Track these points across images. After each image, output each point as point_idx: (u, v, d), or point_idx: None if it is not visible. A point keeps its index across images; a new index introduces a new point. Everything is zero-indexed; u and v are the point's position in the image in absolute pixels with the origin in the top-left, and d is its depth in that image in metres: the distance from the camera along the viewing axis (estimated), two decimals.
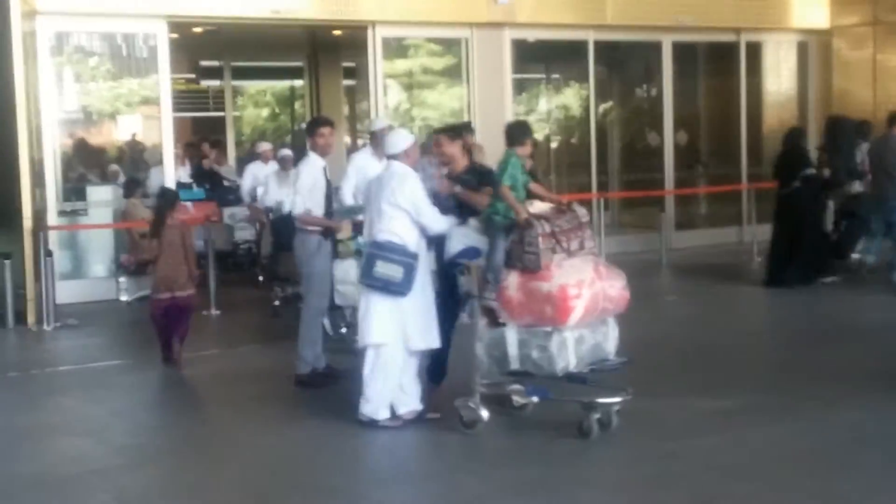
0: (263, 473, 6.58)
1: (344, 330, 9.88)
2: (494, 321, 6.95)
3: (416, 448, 7.05)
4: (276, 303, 11.37)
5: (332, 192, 8.73)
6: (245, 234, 14.42)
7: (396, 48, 15.71)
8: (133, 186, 13.13)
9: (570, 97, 18.43)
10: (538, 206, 7.27)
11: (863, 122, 14.09)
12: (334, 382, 8.43)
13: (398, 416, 7.27)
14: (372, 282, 7.12)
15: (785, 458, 6.48)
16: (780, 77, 18.57)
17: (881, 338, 9.80)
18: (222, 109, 19.32)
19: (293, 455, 6.95)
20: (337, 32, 17.32)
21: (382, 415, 7.23)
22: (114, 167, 14.71)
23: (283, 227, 10.46)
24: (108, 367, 9.67)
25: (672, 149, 17.11)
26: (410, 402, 7.31)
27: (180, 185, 13.67)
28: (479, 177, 7.67)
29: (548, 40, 16.62)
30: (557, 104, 18.63)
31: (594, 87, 16.68)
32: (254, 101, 21.26)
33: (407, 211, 7.14)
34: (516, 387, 7.27)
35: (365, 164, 10.16)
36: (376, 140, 10.15)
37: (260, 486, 6.33)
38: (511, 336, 6.87)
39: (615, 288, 7.00)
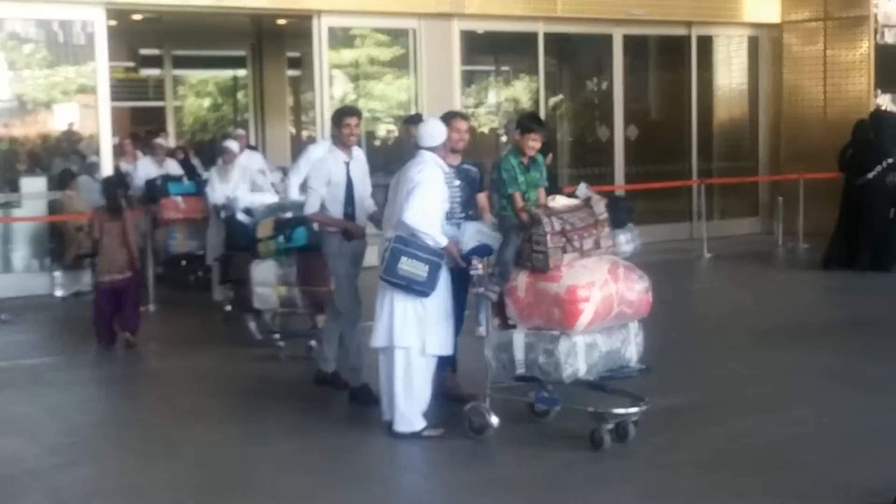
0: (202, 472, 6.50)
1: (278, 337, 9.43)
2: (505, 323, 6.67)
3: (356, 448, 6.85)
4: (228, 308, 10.61)
5: (353, 191, 7.96)
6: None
7: (342, 38, 15.44)
8: (68, 178, 12.77)
9: (520, 90, 18.26)
10: (560, 202, 6.89)
11: None
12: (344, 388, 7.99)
13: (434, 426, 6.91)
14: (395, 279, 6.71)
15: None
16: (730, 71, 18.57)
17: None
18: (162, 99, 19.00)
19: (232, 453, 6.85)
20: (281, 21, 17.09)
21: (419, 424, 6.87)
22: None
23: (237, 226, 10.02)
24: (42, 364, 9.50)
25: (622, 143, 17.01)
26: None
27: (169, 178, 12.97)
28: (471, 183, 7.41)
29: (497, 32, 16.46)
30: (506, 97, 18.47)
31: (544, 79, 16.51)
32: (195, 91, 20.89)
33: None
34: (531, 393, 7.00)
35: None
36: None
37: (198, 485, 6.26)
38: (518, 339, 6.58)
39: (634, 291, 6.65)
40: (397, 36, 15.63)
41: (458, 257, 6.84)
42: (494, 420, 6.76)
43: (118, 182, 10.50)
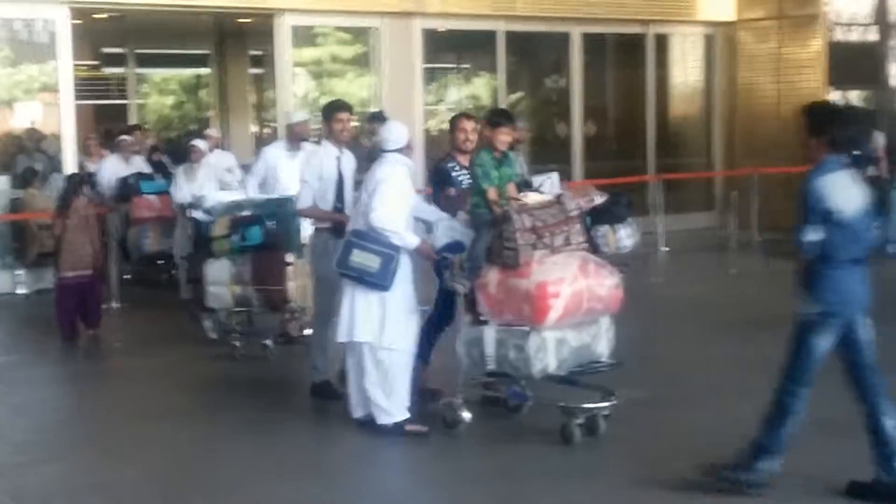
0: (168, 470, 6.49)
1: (233, 336, 9.33)
2: (477, 318, 6.69)
3: (321, 443, 6.96)
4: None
5: (343, 185, 7.77)
6: None
7: (305, 36, 15.52)
8: (31, 176, 12.76)
9: (480, 87, 18.40)
10: (532, 198, 6.96)
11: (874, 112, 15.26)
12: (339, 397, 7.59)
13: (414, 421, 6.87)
14: (346, 271, 6.74)
15: None
16: (686, 69, 18.80)
17: None
18: (126, 97, 18.98)
19: (198, 450, 6.86)
20: (244, 20, 17.10)
21: (401, 415, 6.84)
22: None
23: (206, 225, 9.88)
24: (6, 362, 9.50)
25: (581, 140, 17.20)
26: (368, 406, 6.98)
27: (142, 176, 12.87)
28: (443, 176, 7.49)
29: (458, 30, 16.57)
30: (467, 94, 18.59)
31: (504, 77, 16.68)
32: (158, 89, 20.87)
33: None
34: (502, 387, 7.00)
35: (276, 160, 9.71)
36: (293, 134, 9.79)
37: (165, 484, 6.25)
38: (489, 335, 6.60)
39: (604, 287, 6.69)
40: (359, 34, 15.72)
41: (432, 255, 6.90)
42: (467, 415, 6.78)
43: (82, 180, 10.53)
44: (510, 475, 6.18)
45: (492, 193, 7.08)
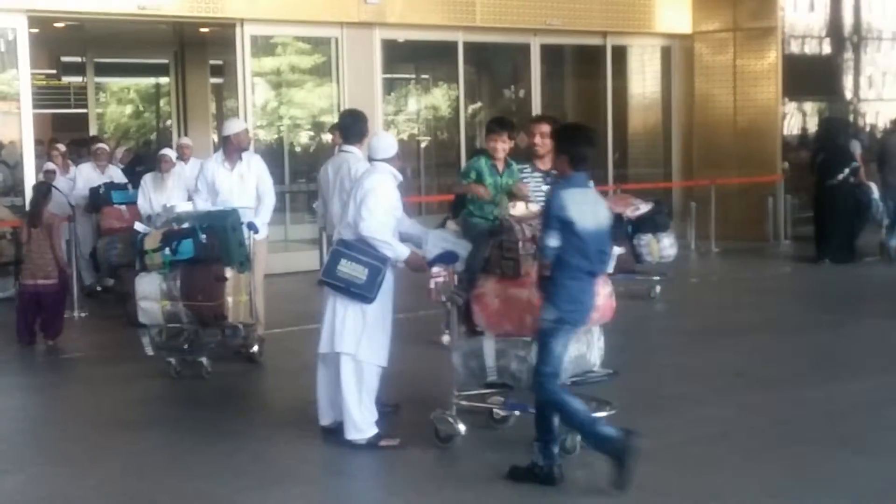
0: (129, 479, 6.48)
1: (173, 361, 8.97)
2: (472, 329, 6.62)
3: (284, 452, 6.94)
4: None
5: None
6: None
7: (265, 46, 15.55)
8: None
9: (440, 97, 18.49)
10: (520, 209, 6.85)
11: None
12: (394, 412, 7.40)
13: (389, 436, 6.82)
14: (333, 280, 6.62)
15: None
16: (644, 80, 18.98)
17: None
18: (85, 106, 18.87)
19: (160, 460, 6.84)
20: (204, 29, 17.06)
21: (370, 432, 6.77)
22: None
23: (141, 238, 9.59)
24: None
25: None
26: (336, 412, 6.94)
27: (113, 185, 12.70)
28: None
29: (417, 41, 16.64)
30: (427, 104, 18.68)
31: (463, 87, 16.76)
32: (117, 98, 20.78)
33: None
34: (497, 398, 6.93)
35: (213, 172, 9.37)
36: (231, 145, 9.35)
37: (125, 492, 6.25)
38: (489, 346, 6.50)
39: (600, 296, 6.54)
40: (319, 44, 15.77)
41: (424, 267, 6.85)
42: (462, 428, 6.66)
43: (47, 190, 10.46)
44: (469, 481, 6.21)
45: (478, 190, 6.92)
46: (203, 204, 9.32)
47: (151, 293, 8.79)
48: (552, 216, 5.85)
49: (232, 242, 8.78)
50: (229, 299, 8.79)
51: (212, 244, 8.72)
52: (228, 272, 8.80)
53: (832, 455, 6.61)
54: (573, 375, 6.53)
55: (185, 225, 8.92)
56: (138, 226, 9.39)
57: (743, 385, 8.35)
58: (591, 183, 6.29)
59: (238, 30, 14.56)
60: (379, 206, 6.62)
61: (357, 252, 6.59)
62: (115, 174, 13.29)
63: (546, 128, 7.27)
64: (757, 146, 17.38)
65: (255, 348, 9.34)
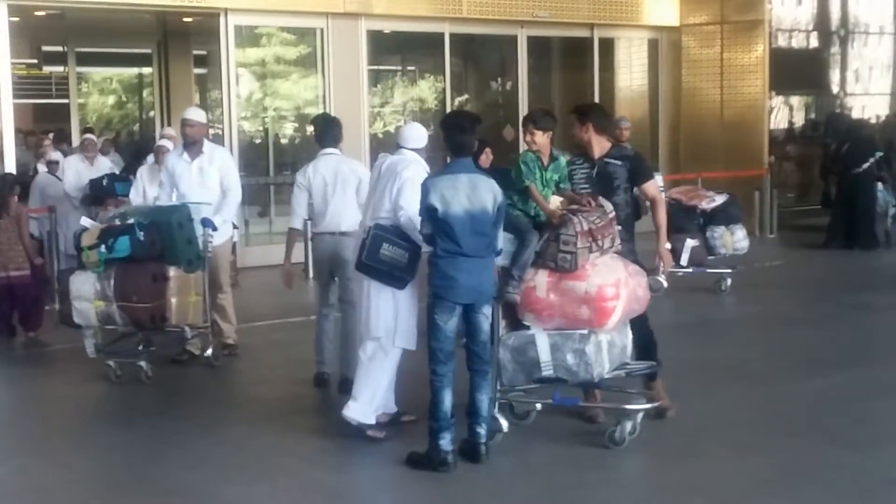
0: (110, 471, 6.46)
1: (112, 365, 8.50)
2: (514, 323, 6.57)
3: (266, 444, 6.87)
4: None
5: None
6: None
7: (249, 36, 15.42)
8: None
9: (426, 89, 18.41)
10: (555, 202, 6.82)
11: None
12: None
13: (379, 427, 6.79)
14: (377, 264, 6.54)
15: None
16: (631, 72, 18.92)
17: None
18: (66, 96, 18.72)
19: (141, 452, 6.79)
20: (188, 19, 16.94)
21: (370, 420, 6.75)
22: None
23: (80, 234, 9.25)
24: None
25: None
26: (388, 403, 6.92)
27: (115, 177, 12.44)
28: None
29: (403, 32, 16.56)
30: (413, 96, 18.60)
31: (450, 79, 16.68)
32: (99, 89, 20.63)
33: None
34: (516, 394, 6.79)
35: (173, 166, 9.05)
36: (186, 136, 9.02)
37: (106, 484, 6.24)
38: (542, 340, 6.43)
39: (642, 287, 6.66)
40: (304, 35, 15.66)
41: None
42: (505, 424, 6.59)
43: (14, 180, 10.34)
44: (459, 476, 6.14)
45: (534, 190, 6.71)
46: (166, 199, 8.98)
47: (86, 293, 8.35)
48: (420, 205, 6.17)
49: (177, 240, 8.36)
50: (173, 300, 8.40)
51: (152, 242, 8.27)
52: (173, 271, 8.40)
53: (817, 449, 6.57)
54: (615, 368, 6.53)
55: (130, 221, 8.40)
56: (84, 220, 8.87)
57: (730, 378, 8.30)
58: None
59: (222, 20, 14.44)
60: (416, 195, 6.55)
61: (396, 236, 6.59)
62: (104, 165, 13.11)
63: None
64: (744, 140, 17.35)
65: (209, 352, 8.84)
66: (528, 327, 6.54)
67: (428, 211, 6.09)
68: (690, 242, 11.61)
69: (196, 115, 9.20)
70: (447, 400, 6.15)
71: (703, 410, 7.35)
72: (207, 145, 9.12)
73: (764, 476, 6.13)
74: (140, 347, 8.78)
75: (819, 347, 9.43)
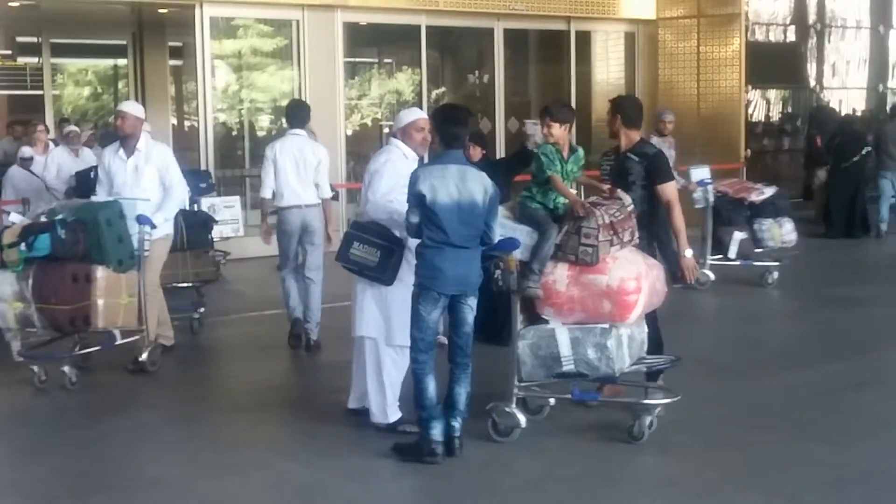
0: (82, 465, 6.39)
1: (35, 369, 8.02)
2: (531, 317, 6.51)
3: (239, 438, 6.85)
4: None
5: None
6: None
7: (225, 28, 15.37)
8: None
9: (403, 82, 18.37)
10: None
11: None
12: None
13: (410, 421, 6.57)
14: (346, 263, 6.57)
15: None
16: (608, 66, 18.93)
17: None
18: (41, 88, 18.57)
19: (113, 445, 6.74)
20: (163, 10, 16.84)
21: (393, 416, 6.69)
22: None
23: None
24: None
25: (503, 136, 17.23)
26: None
27: None
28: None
29: (380, 24, 16.53)
30: (389, 89, 18.55)
31: (426, 72, 16.67)
32: (74, 80, 20.47)
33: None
34: (531, 388, 6.70)
35: (109, 162, 8.69)
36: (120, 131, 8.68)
37: (78, 478, 6.17)
38: (562, 335, 6.38)
39: (660, 280, 6.62)
40: (280, 27, 15.61)
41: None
42: (523, 420, 6.49)
43: None
44: (437, 470, 6.13)
45: (557, 180, 6.64)
46: (103, 196, 8.63)
47: (4, 294, 7.89)
48: (408, 192, 6.12)
49: (106, 238, 7.87)
50: (100, 302, 7.87)
51: (76, 240, 7.79)
52: (101, 271, 7.88)
53: (790, 442, 6.59)
54: (634, 362, 6.52)
55: (59, 217, 7.94)
56: (14, 216, 8.46)
57: (704, 373, 8.30)
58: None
59: (197, 11, 14.39)
60: (381, 187, 6.57)
61: (370, 234, 6.54)
62: (89, 158, 12.97)
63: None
64: (720, 133, 17.39)
65: (144, 356, 8.31)
66: (544, 321, 6.48)
67: (416, 198, 6.05)
68: (739, 235, 11.71)
69: (129, 107, 8.79)
70: (431, 386, 6.13)
71: (676, 404, 7.33)
72: (145, 143, 8.68)
73: (735, 469, 6.15)
74: (77, 350, 8.33)
75: (800, 340, 9.46)
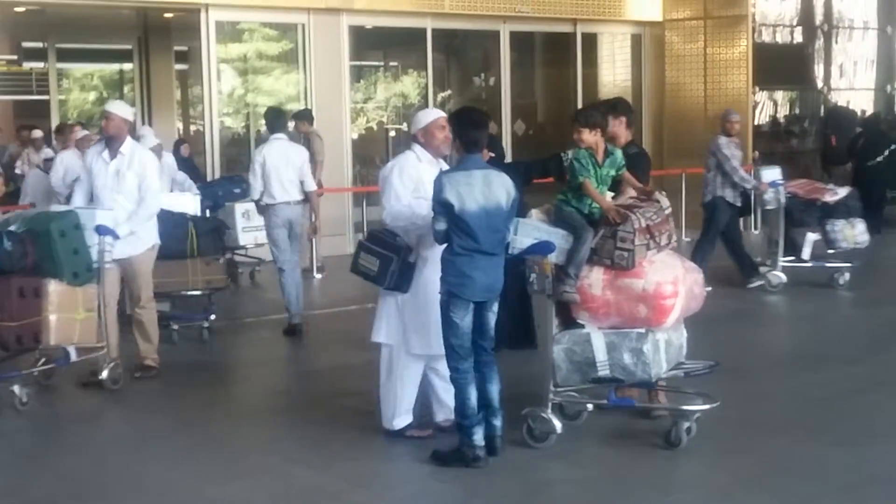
0: (89, 470, 6.36)
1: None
2: (567, 322, 6.43)
3: (245, 443, 6.82)
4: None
5: None
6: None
7: (231, 32, 15.33)
8: None
9: (408, 85, 18.33)
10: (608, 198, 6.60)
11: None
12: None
13: (420, 426, 6.65)
14: (356, 272, 6.60)
15: None
16: (615, 68, 18.89)
17: None
18: (46, 92, 18.57)
19: (120, 451, 6.71)
20: (168, 15, 16.83)
21: (400, 423, 6.63)
22: None
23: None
24: None
25: (510, 138, 17.19)
26: (446, 410, 6.70)
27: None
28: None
29: (385, 27, 16.49)
30: (395, 92, 18.52)
31: (432, 75, 16.62)
32: (80, 85, 20.48)
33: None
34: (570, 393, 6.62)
35: (90, 163, 8.34)
36: (105, 131, 8.30)
37: (84, 483, 6.14)
38: (598, 339, 6.30)
39: (698, 284, 6.54)
40: (286, 30, 15.57)
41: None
42: (559, 425, 6.41)
43: None
44: (444, 474, 6.09)
45: (588, 185, 6.45)
46: (81, 197, 8.30)
47: None
48: (434, 200, 6.05)
49: (59, 250, 7.41)
50: (52, 318, 7.41)
51: (23, 253, 7.35)
52: (53, 285, 7.41)
53: (803, 445, 6.54)
54: (672, 367, 6.45)
55: (12, 228, 7.48)
56: None
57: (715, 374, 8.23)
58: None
59: (203, 15, 14.36)
60: (391, 194, 6.51)
61: (372, 243, 6.54)
62: None
63: (622, 119, 7.14)
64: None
65: (105, 374, 7.85)
66: (580, 325, 6.41)
67: (443, 206, 5.97)
68: (812, 236, 11.70)
69: (116, 107, 8.38)
70: (473, 396, 6.09)
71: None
72: (129, 146, 8.29)
73: (748, 472, 6.10)
74: (40, 366, 7.94)
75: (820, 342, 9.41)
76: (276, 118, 10.40)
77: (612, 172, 6.66)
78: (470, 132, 6.22)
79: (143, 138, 10.65)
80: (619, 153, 6.74)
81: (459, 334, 6.09)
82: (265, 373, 8.65)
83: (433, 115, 6.76)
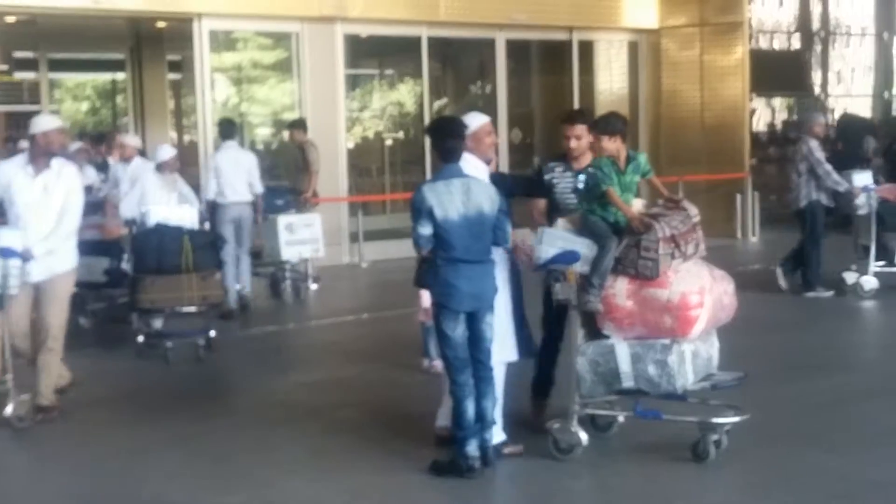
0: (85, 484, 6.32)
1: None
2: (592, 332, 6.33)
3: (240, 455, 6.72)
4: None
5: None
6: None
7: (224, 41, 15.24)
8: None
9: (404, 93, 18.27)
10: (636, 205, 6.51)
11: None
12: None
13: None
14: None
15: None
16: (611, 75, 18.81)
17: None
18: (38, 103, 18.49)
19: (116, 465, 6.63)
20: (161, 24, 16.74)
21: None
22: None
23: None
24: None
25: (506, 146, 17.09)
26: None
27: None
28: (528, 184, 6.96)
29: (381, 36, 16.43)
30: (391, 100, 18.45)
31: (428, 83, 16.53)
32: (72, 95, 20.41)
33: None
34: (598, 404, 6.53)
35: (9, 178, 7.48)
36: (37, 147, 7.46)
37: (80, 498, 6.11)
38: (622, 350, 6.20)
39: (728, 294, 6.39)
40: (280, 39, 15.50)
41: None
42: (584, 437, 6.30)
43: None
44: (442, 486, 6.01)
45: (613, 194, 6.33)
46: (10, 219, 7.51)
47: None
48: (415, 209, 6.05)
49: None
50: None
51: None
52: None
53: (801, 453, 6.47)
54: (701, 379, 6.30)
55: None
56: None
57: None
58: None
59: (196, 24, 14.26)
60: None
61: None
62: (91, 175, 12.75)
63: (580, 129, 6.86)
64: (724, 142, 17.26)
65: (9, 410, 7.20)
66: (605, 336, 6.31)
67: (428, 212, 5.96)
68: None
69: (51, 122, 7.63)
70: (470, 409, 6.04)
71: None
72: (57, 161, 7.56)
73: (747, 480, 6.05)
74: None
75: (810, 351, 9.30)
76: (227, 127, 11.87)
77: (637, 178, 6.55)
78: (446, 141, 6.19)
79: (158, 150, 10.60)
80: (642, 157, 6.65)
81: (453, 345, 6.05)
82: (260, 384, 8.55)
83: (479, 119, 6.67)
